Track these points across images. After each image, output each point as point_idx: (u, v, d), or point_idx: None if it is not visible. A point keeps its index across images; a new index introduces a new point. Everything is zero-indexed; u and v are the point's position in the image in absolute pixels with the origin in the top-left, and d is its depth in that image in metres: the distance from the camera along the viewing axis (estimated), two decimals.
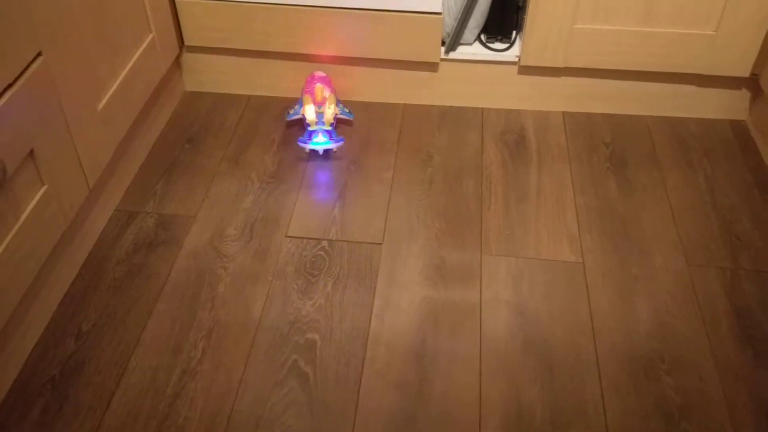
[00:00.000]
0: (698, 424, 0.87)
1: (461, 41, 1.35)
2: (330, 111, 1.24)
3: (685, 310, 1.00)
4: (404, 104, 1.40)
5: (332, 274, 1.05)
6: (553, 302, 1.01)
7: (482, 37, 1.37)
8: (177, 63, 1.39)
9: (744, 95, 1.34)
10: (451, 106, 1.40)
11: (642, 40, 1.27)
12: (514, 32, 1.36)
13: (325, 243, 1.10)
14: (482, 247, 1.10)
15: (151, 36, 1.21)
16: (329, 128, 1.24)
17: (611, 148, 1.30)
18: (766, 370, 0.92)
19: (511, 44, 1.36)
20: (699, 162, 1.26)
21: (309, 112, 1.23)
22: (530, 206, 1.17)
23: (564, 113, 1.38)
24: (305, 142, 1.24)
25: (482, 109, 1.39)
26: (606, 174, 1.24)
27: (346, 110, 1.31)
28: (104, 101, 1.05)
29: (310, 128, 1.24)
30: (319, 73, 1.32)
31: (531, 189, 1.21)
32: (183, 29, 1.34)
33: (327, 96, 1.25)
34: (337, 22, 1.30)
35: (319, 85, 1.27)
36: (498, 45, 1.36)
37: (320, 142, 1.23)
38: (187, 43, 1.36)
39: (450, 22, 1.32)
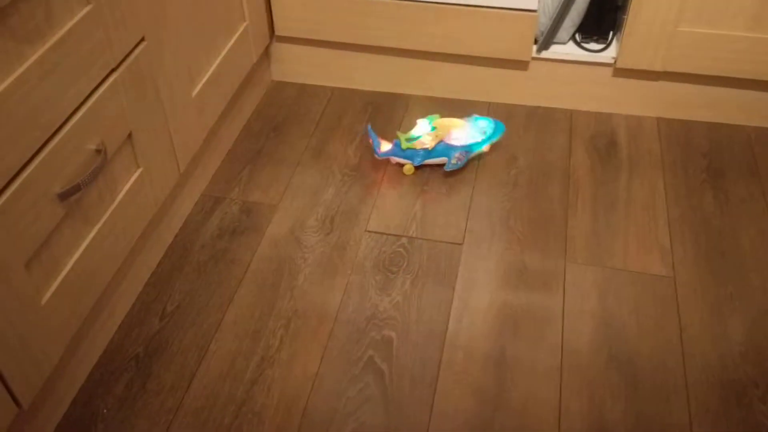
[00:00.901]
0: None
1: (555, 40, 1.31)
2: (428, 140, 1.16)
3: None
4: (490, 102, 1.37)
5: (411, 271, 1.04)
6: (641, 316, 0.96)
7: (577, 36, 1.32)
8: (266, 52, 1.41)
9: None
10: (539, 107, 1.36)
11: (751, 46, 1.19)
12: (611, 33, 1.31)
13: (404, 240, 1.09)
14: (567, 254, 1.06)
15: (244, 25, 1.23)
16: (411, 149, 1.17)
17: (709, 158, 1.23)
18: None
19: (608, 45, 1.30)
20: None
21: (422, 125, 1.18)
22: (619, 215, 1.12)
23: (659, 119, 1.32)
24: (374, 138, 1.18)
25: (572, 111, 1.34)
26: (702, 185, 1.17)
27: (455, 162, 1.16)
28: (198, 88, 1.07)
29: (399, 141, 1.17)
30: (484, 121, 1.19)
31: (620, 197, 1.16)
32: (275, 19, 1.36)
33: (446, 135, 1.16)
34: (428, 17, 1.28)
35: (459, 123, 1.17)
36: (593, 45, 1.31)
37: (382, 146, 1.18)
38: (277, 33, 1.38)
39: (545, 20, 1.28)
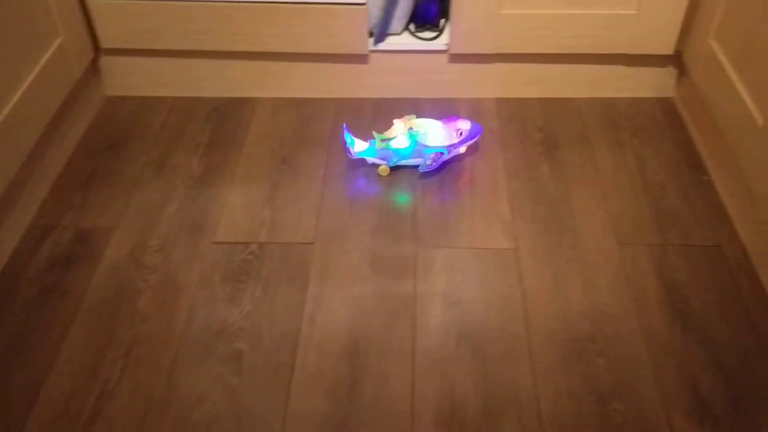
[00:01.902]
0: (629, 403, 0.86)
1: (389, 31, 1.33)
2: (400, 141, 1.15)
3: (616, 289, 1.00)
4: (337, 98, 1.37)
5: (261, 278, 1.01)
6: (487, 291, 1.00)
7: (411, 26, 1.35)
8: (94, 67, 1.33)
9: (670, 73, 1.35)
10: (385, 98, 1.37)
11: (567, 22, 1.26)
12: (443, 20, 1.34)
13: (254, 247, 1.07)
14: (416, 240, 1.08)
15: (59, 40, 1.15)
16: (386, 149, 1.16)
17: (544, 132, 1.29)
18: (694, 344, 0.93)
19: (440, 32, 1.34)
20: (628, 141, 1.27)
21: (397, 126, 1.16)
22: (464, 195, 1.16)
23: (497, 99, 1.37)
24: (349, 138, 1.16)
25: (417, 99, 1.37)
26: (538, 158, 1.23)
27: (430, 163, 1.16)
28: (5, 112, 0.99)
29: (375, 141, 1.15)
30: (463, 122, 1.18)
31: (465, 178, 1.19)
32: (97, 31, 1.28)
33: (407, 129, 1.15)
34: (259, 17, 1.26)
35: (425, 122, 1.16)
36: (427, 34, 1.34)
37: (357, 145, 1.16)
38: (103, 45, 1.30)
39: (376, 12, 1.29)
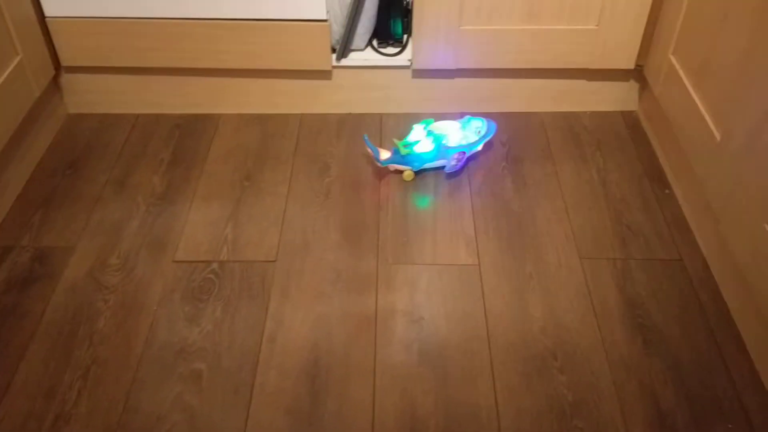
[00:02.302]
0: (590, 420, 0.87)
1: (352, 47, 1.33)
2: (427, 144, 1.17)
3: (578, 305, 1.00)
4: (302, 114, 1.37)
5: (222, 297, 1.01)
6: (449, 308, 1.00)
7: (374, 42, 1.35)
8: (56, 85, 1.32)
9: (632, 86, 1.37)
10: (349, 114, 1.37)
11: (528, 38, 1.28)
12: (405, 36, 1.35)
13: (215, 265, 1.06)
14: (379, 257, 1.08)
15: (18, 58, 1.14)
16: (411, 154, 1.18)
17: (508, 147, 1.30)
18: (654, 357, 0.94)
19: (403, 48, 1.34)
20: (592, 155, 1.28)
21: (417, 130, 1.17)
22: (428, 212, 1.16)
23: (461, 114, 1.38)
24: (372, 147, 1.18)
25: (381, 115, 1.37)
26: (502, 173, 1.24)
27: (454, 164, 1.19)
28: None
29: (398, 148, 1.17)
30: (476, 121, 1.23)
31: (429, 193, 1.20)
32: (58, 50, 1.27)
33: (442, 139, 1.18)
34: (221, 34, 1.26)
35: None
36: (390, 50, 1.35)
37: (381, 154, 1.18)
38: (64, 63, 1.29)
39: (338, 28, 1.30)
